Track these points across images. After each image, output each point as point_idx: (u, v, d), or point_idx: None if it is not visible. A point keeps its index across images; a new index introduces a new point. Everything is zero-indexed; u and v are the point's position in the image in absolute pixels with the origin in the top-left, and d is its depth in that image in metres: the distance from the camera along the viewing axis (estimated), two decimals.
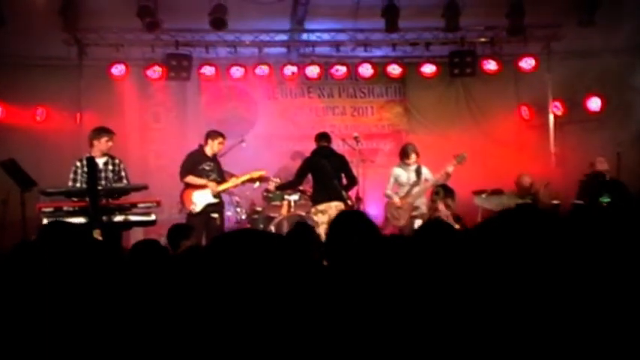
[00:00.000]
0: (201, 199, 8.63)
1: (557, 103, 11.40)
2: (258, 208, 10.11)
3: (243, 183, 9.01)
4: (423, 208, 8.71)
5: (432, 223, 4.04)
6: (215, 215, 8.60)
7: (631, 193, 8.57)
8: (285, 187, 9.11)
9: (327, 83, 11.69)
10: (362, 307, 1.99)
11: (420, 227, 3.60)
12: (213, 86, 11.36)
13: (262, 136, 11.31)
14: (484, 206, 9.59)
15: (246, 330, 1.51)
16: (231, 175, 9.35)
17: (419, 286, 2.14)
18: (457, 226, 6.58)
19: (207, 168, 8.74)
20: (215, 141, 8.80)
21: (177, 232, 6.04)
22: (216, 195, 8.69)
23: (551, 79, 11.25)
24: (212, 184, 8.69)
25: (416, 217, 8.79)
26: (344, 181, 8.65)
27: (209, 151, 8.79)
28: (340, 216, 3.58)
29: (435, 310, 1.96)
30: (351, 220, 3.42)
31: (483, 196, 9.64)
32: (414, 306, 2.04)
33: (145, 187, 7.17)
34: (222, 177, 8.86)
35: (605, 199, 8.16)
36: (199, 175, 8.68)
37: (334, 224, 3.42)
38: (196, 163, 8.72)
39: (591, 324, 1.59)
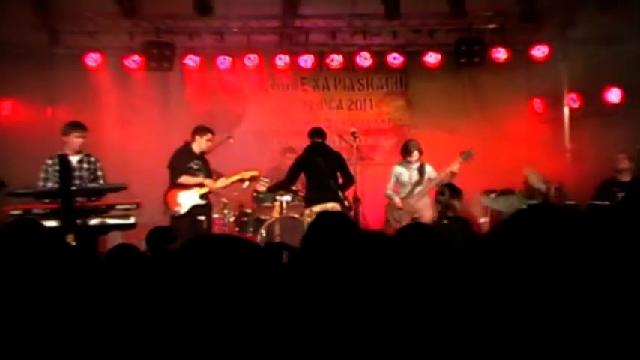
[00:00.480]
0: (187, 200, 8.62)
1: (573, 95, 11.42)
2: (248, 210, 10.11)
3: (233, 184, 8.98)
4: (427, 210, 8.71)
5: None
6: (201, 218, 8.63)
7: None
8: (276, 188, 9.11)
9: (322, 74, 11.70)
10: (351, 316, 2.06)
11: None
12: (197, 77, 11.34)
13: (251, 132, 11.32)
14: (493, 207, 9.59)
15: (218, 339, 1.58)
16: (220, 175, 9.34)
17: (416, 298, 2.20)
18: (482, 220, 6.59)
19: (195, 167, 8.76)
20: (203, 138, 8.79)
21: (157, 236, 6.04)
22: (204, 196, 8.66)
23: (566, 69, 11.29)
24: (209, 182, 8.70)
25: (419, 218, 8.82)
26: (340, 180, 8.68)
27: (196, 148, 8.79)
28: (319, 218, 3.61)
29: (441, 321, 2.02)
30: (331, 223, 3.46)
31: (492, 196, 9.66)
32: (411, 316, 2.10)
33: (123, 188, 7.16)
34: (210, 177, 8.89)
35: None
36: (177, 175, 8.73)
37: (312, 226, 3.47)
38: (185, 162, 8.74)
39: (612, 327, 1.66)
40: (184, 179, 8.69)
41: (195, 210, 8.61)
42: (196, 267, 1.65)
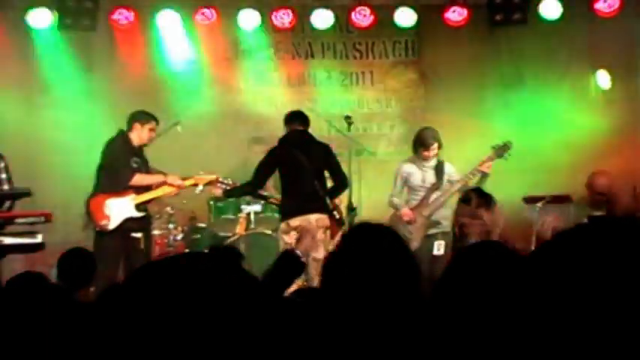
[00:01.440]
0: (118, 210, 8.68)
1: None
2: (202, 224, 10.18)
3: (176, 191, 9.03)
4: (446, 224, 8.73)
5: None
6: (137, 235, 8.67)
7: None
8: (239, 192, 9.10)
9: (305, 37, 11.76)
10: None
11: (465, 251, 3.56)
12: (132, 41, 11.34)
13: (207, 117, 11.36)
14: (541, 221, 9.62)
15: None
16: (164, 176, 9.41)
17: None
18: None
19: (134, 165, 8.80)
20: (145, 127, 8.85)
21: (74, 260, 6.05)
22: (141, 206, 8.74)
23: None
24: (173, 178, 8.83)
25: (435, 235, 8.88)
26: (328, 183, 8.69)
27: (136, 139, 8.82)
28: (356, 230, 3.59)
29: None
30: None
31: (539, 205, 9.67)
32: None
33: (25, 194, 7.16)
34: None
35: None
36: (111, 175, 8.75)
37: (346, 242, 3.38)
38: (129, 156, 8.80)
39: None
40: (139, 179, 8.74)
41: (128, 224, 8.62)
42: (146, 320, 1.66)
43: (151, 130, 8.87)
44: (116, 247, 8.41)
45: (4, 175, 7.86)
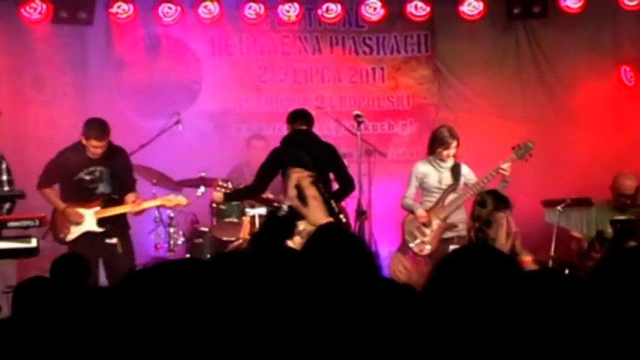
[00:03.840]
0: (78, 223, 8.82)
1: None
2: (204, 229, 10.13)
3: (140, 212, 9.09)
4: (462, 227, 8.70)
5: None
6: (112, 241, 8.74)
7: None
8: (241, 195, 9.14)
9: (313, 31, 11.69)
10: None
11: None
12: (131, 35, 11.34)
13: (209, 114, 11.40)
14: (561, 225, 9.55)
15: None
16: (161, 177, 9.31)
17: None
18: (528, 259, 6.53)
19: (87, 178, 8.85)
20: (89, 143, 8.83)
21: (68, 266, 6.17)
22: (103, 222, 8.80)
23: None
24: (132, 196, 8.73)
25: (452, 240, 8.89)
26: (334, 185, 8.69)
27: (94, 150, 8.80)
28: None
29: None
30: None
31: (559, 208, 9.57)
32: None
33: (19, 196, 7.13)
34: (121, 190, 8.96)
35: None
36: (69, 189, 8.85)
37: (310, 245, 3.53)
38: (69, 170, 8.83)
39: None
40: (46, 193, 8.90)
41: (88, 236, 8.78)
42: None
43: (94, 147, 8.83)
44: (90, 254, 8.23)
45: (5, 177, 7.86)
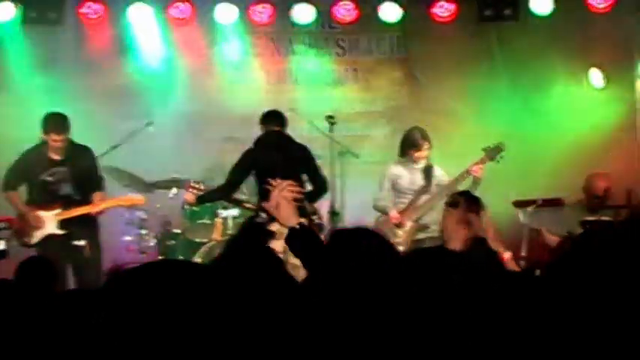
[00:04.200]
0: (40, 226, 8.77)
1: None
2: (176, 230, 10.11)
3: (99, 213, 8.99)
4: (434, 228, 8.72)
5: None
6: (81, 243, 8.69)
7: None
8: (213, 196, 9.11)
9: (285, 32, 11.73)
10: None
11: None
12: (102, 37, 11.30)
13: (182, 116, 11.36)
14: (532, 225, 9.59)
15: None
16: (132, 180, 9.29)
17: None
18: (506, 256, 6.55)
19: (49, 179, 8.80)
20: (49, 137, 8.77)
21: (33, 270, 6.02)
22: (67, 224, 8.72)
23: (638, 24, 11.31)
24: (100, 196, 8.71)
25: (424, 241, 8.90)
26: (308, 186, 8.68)
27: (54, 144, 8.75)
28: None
29: None
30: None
31: (530, 209, 9.62)
32: None
33: None
34: (86, 191, 8.89)
35: None
36: (34, 190, 8.82)
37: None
38: (31, 172, 8.79)
39: None
40: (9, 196, 8.87)
41: (51, 241, 8.72)
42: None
43: (54, 141, 8.76)
44: (55, 256, 8.27)
45: None
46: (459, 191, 7.83)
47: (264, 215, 8.78)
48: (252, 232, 4.64)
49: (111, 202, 9.01)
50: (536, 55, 11.56)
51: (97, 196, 8.89)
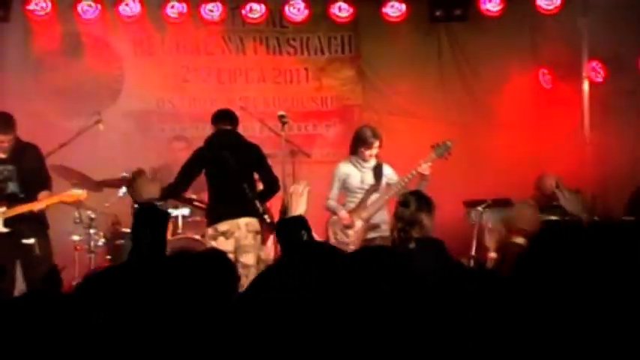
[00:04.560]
0: None
1: (596, 65, 11.52)
2: (126, 229, 9.98)
3: (43, 210, 8.90)
4: (385, 227, 8.72)
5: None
6: (30, 241, 8.61)
7: None
8: (164, 194, 8.88)
9: (236, 31, 11.67)
10: None
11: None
12: (49, 33, 11.16)
13: (131, 114, 11.30)
14: (482, 224, 9.63)
15: None
16: (80, 178, 9.20)
17: None
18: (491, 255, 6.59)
19: None
20: None
21: None
22: (14, 222, 8.67)
23: (587, 28, 11.38)
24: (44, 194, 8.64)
25: (374, 240, 8.87)
26: (259, 185, 8.67)
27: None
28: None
29: None
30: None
31: (480, 208, 9.66)
32: None
33: None
34: (32, 189, 8.77)
35: None
36: None
37: None
38: None
39: None
40: None
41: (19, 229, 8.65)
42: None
43: (0, 142, 8.67)
44: (2, 255, 8.35)
45: None
46: (410, 190, 7.83)
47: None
48: (152, 221, 4.57)
49: (53, 199, 8.87)
50: (485, 56, 11.67)
51: (43, 194, 8.77)
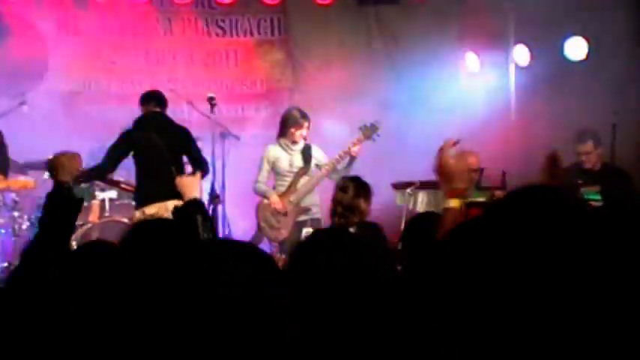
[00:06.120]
0: None
1: (522, 48, 11.58)
2: None
3: None
4: (315, 210, 8.74)
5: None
6: None
7: (632, 186, 8.74)
8: (90, 176, 8.90)
9: (164, 12, 11.60)
10: None
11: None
12: None
13: (56, 96, 11.09)
14: (410, 208, 9.61)
15: None
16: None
17: None
18: None
19: None
20: None
21: None
22: None
23: (513, 11, 11.49)
24: None
25: (305, 223, 8.89)
26: (187, 168, 8.60)
27: None
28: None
29: None
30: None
31: (408, 191, 9.63)
32: None
33: None
34: None
35: (593, 196, 8.25)
36: None
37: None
38: None
39: None
40: None
41: None
42: None
43: None
44: None
45: None
46: (349, 176, 7.82)
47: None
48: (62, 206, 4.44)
49: (1, 184, 8.94)
50: (414, 38, 11.69)
51: None
